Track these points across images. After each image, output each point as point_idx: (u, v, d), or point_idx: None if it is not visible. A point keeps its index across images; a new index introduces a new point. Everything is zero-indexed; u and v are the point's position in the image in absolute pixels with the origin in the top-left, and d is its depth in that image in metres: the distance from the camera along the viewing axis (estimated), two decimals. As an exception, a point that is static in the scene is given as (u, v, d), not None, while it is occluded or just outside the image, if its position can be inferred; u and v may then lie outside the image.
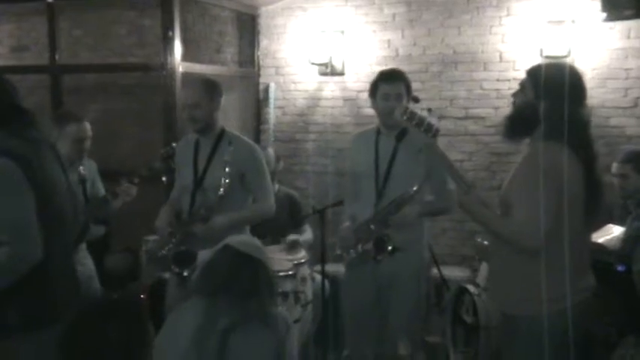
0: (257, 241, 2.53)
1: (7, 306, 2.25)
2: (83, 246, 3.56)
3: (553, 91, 2.41)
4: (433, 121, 2.56)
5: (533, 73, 2.51)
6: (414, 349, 3.28)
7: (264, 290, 2.33)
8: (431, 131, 2.54)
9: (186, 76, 4.64)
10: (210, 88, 3.26)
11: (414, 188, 3.05)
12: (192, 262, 3.06)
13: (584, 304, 2.50)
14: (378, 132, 3.37)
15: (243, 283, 2.30)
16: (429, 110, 2.74)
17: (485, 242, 4.12)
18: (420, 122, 2.55)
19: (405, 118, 2.59)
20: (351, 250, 3.27)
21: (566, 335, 2.39)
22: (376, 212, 3.19)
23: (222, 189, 3.11)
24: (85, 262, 3.55)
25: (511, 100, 2.63)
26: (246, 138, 3.45)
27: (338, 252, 3.40)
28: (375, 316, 3.37)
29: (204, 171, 3.24)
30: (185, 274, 3.06)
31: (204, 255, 2.88)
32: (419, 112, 2.61)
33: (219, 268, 2.35)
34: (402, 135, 3.27)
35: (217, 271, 2.34)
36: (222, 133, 3.29)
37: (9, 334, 2.26)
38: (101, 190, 3.77)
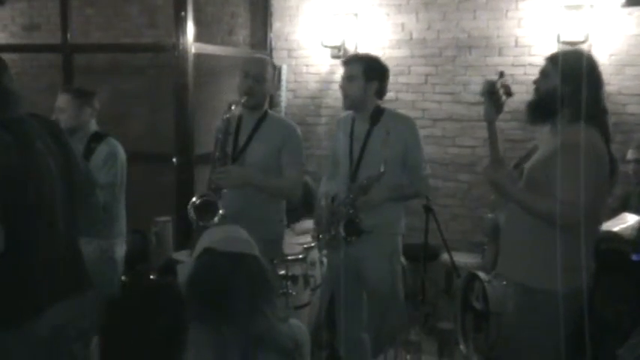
0: (242, 231, 2.06)
1: None
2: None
3: (579, 77, 2.50)
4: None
5: (557, 59, 2.59)
6: (398, 329, 3.32)
7: (265, 295, 1.95)
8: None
9: (198, 57, 4.61)
10: (273, 70, 3.38)
11: (381, 170, 3.10)
12: (215, 213, 3.06)
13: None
14: (354, 115, 3.43)
15: (241, 293, 1.89)
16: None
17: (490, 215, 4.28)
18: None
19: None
20: (325, 233, 3.33)
21: (583, 310, 2.52)
22: (347, 194, 3.24)
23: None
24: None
25: (533, 86, 2.72)
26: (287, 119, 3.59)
27: (314, 234, 3.45)
28: (360, 298, 3.43)
29: (245, 146, 3.28)
30: (201, 223, 3.03)
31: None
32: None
33: (207, 280, 1.92)
34: (375, 118, 3.32)
35: (206, 286, 1.91)
36: (266, 113, 3.35)
37: None
38: None
